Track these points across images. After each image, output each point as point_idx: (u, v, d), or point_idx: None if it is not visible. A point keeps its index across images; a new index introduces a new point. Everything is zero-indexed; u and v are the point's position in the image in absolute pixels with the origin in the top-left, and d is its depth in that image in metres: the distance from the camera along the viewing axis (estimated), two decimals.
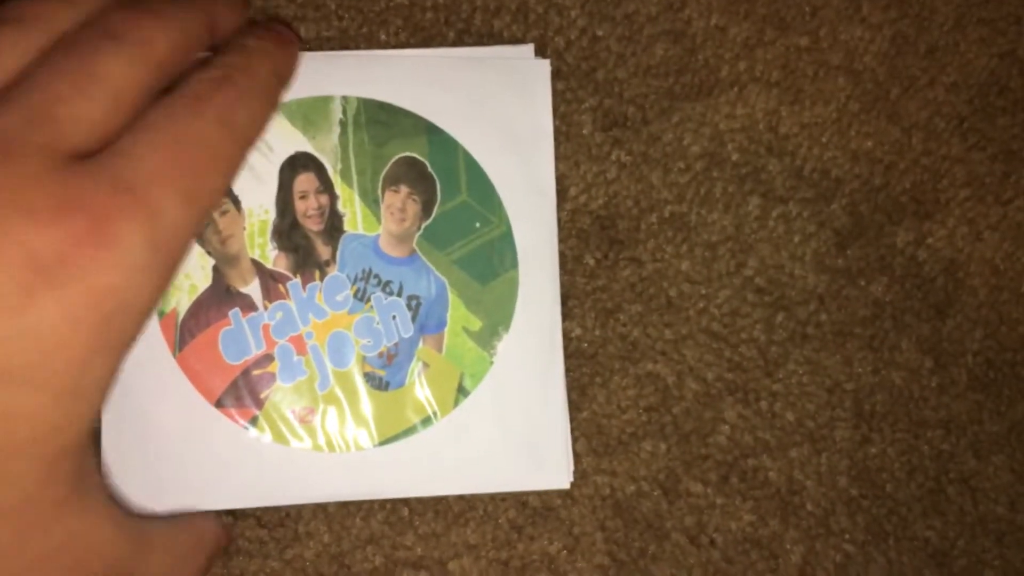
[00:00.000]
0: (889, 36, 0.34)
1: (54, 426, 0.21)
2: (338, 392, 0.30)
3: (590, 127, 0.32)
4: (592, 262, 0.32)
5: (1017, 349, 0.34)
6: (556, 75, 0.32)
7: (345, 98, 0.31)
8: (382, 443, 0.30)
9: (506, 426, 0.31)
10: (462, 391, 0.31)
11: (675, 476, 0.32)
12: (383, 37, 0.31)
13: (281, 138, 0.30)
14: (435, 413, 0.30)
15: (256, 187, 0.30)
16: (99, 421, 0.29)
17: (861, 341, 0.33)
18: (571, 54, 0.32)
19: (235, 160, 0.25)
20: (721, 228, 0.33)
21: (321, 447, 0.30)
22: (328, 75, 0.31)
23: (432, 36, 0.31)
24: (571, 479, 0.31)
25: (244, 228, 0.30)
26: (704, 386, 0.32)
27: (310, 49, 0.31)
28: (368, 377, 0.30)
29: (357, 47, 0.31)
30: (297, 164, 0.30)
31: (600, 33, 0.32)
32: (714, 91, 0.33)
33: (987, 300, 0.34)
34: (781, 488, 0.32)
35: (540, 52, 0.32)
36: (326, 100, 0.31)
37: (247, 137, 0.26)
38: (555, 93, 0.32)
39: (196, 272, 0.30)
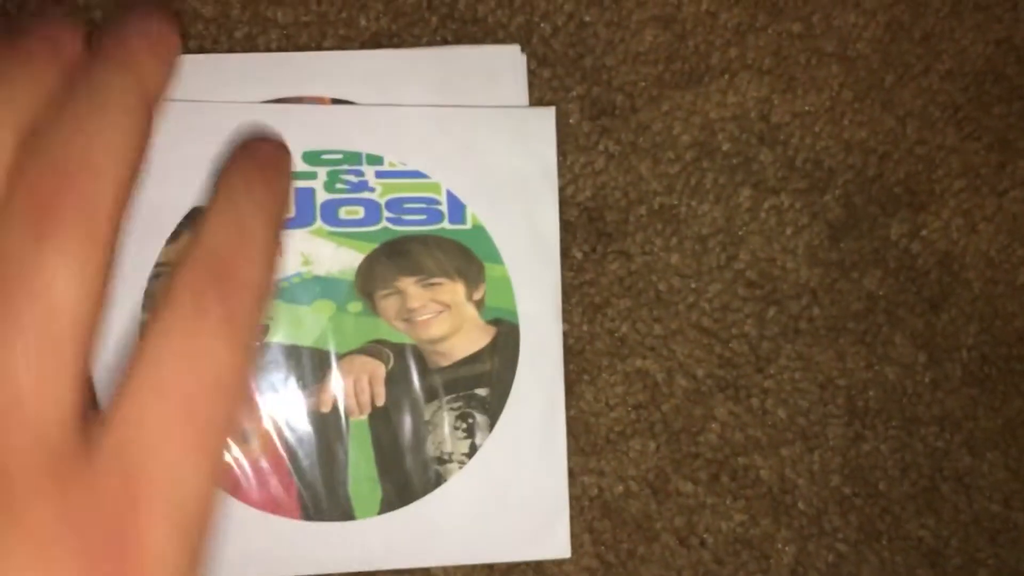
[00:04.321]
0: (883, 22, 0.33)
1: None
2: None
3: (577, 116, 0.31)
4: (580, 255, 0.31)
5: (1012, 344, 0.33)
6: (542, 62, 0.31)
7: None
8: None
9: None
10: None
11: (664, 475, 0.31)
12: (363, 22, 0.30)
13: None
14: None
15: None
16: None
17: (854, 336, 0.32)
18: (558, 40, 0.31)
19: (247, 378, 0.18)
20: (711, 220, 0.32)
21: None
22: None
23: (414, 22, 0.30)
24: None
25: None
26: (694, 383, 0.31)
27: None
28: None
29: (336, 32, 0.30)
30: None
31: (588, 19, 0.31)
32: (704, 79, 0.32)
33: (982, 293, 0.33)
34: (773, 487, 0.32)
35: (525, 40, 0.31)
36: None
37: (251, 342, 0.18)
38: (541, 81, 0.31)
39: None
